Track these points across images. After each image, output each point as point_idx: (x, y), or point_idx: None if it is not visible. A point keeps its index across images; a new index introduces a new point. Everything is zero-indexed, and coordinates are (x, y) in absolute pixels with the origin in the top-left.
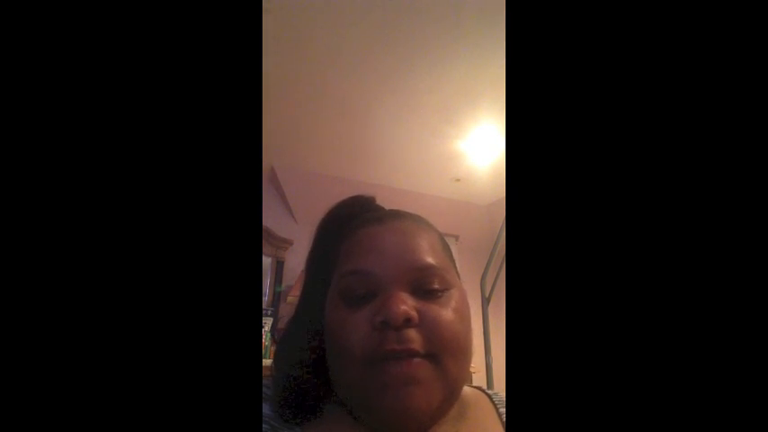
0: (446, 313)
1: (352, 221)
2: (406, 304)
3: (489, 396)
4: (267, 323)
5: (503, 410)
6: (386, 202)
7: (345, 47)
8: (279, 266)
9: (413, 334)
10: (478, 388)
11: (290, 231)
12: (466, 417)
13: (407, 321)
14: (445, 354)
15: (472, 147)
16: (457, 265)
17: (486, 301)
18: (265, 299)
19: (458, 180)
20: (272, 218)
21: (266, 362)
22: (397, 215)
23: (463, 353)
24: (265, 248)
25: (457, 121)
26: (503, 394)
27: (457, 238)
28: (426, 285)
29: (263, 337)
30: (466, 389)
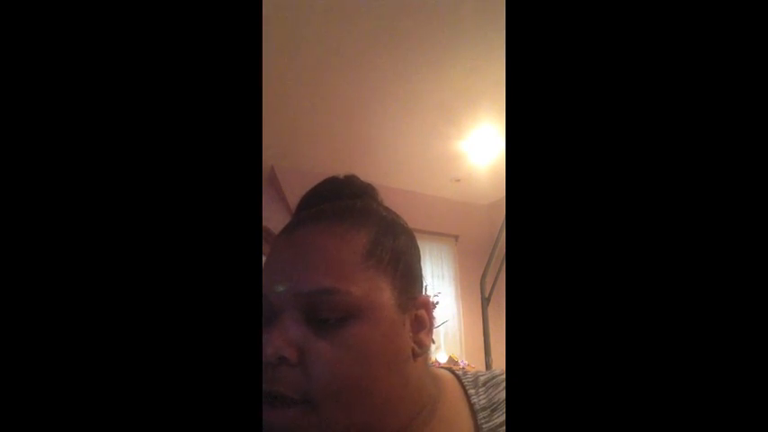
0: (332, 350)
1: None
2: (285, 339)
3: (458, 377)
4: None
5: (472, 392)
6: (385, 202)
7: (345, 47)
8: None
9: (289, 375)
10: (448, 369)
11: None
12: (435, 413)
13: (282, 359)
14: (325, 400)
15: (472, 147)
16: (457, 265)
17: (486, 301)
18: None
19: (458, 180)
20: (272, 218)
21: None
22: (316, 217)
23: (356, 396)
24: (265, 248)
25: (457, 121)
26: (471, 374)
27: (457, 238)
28: (317, 313)
29: None
30: (437, 372)
